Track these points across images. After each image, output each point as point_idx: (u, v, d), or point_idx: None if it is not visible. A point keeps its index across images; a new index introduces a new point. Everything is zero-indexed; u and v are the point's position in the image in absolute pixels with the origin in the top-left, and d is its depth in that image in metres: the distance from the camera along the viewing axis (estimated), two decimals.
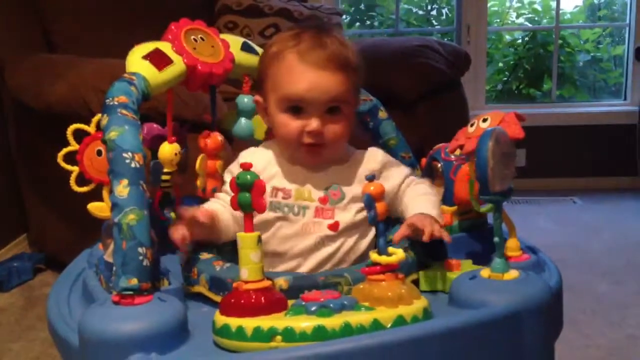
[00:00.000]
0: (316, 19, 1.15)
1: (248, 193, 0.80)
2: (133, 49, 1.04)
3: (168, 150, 1.10)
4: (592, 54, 4.20)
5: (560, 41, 3.88)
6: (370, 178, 0.84)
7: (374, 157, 1.08)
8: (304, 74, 1.00)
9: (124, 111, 0.90)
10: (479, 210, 0.94)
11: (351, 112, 1.05)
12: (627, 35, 3.67)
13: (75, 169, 1.03)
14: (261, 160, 1.07)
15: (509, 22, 4.42)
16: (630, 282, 2.19)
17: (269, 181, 1.03)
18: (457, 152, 1.08)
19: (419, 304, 0.80)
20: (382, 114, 1.23)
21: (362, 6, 4.39)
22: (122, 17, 2.49)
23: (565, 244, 2.56)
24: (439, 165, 1.09)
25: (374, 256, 0.82)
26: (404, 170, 1.09)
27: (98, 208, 1.02)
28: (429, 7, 4.43)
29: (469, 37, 3.51)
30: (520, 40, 4.31)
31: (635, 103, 3.53)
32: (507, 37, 4.36)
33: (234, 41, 1.15)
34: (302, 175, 1.05)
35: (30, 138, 2.26)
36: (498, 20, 4.34)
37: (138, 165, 0.86)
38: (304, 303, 0.78)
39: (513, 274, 0.85)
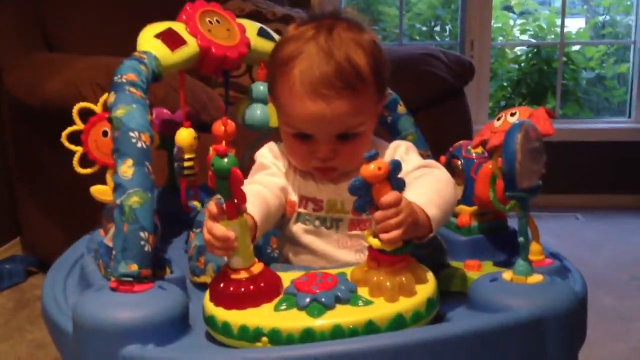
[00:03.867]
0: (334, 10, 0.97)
1: (226, 181, 0.72)
2: (145, 28, 0.99)
3: (186, 135, 1.06)
4: (596, 72, 4.18)
5: (564, 58, 3.86)
6: (370, 157, 0.72)
7: (398, 151, 0.95)
8: (304, 104, 0.86)
9: (132, 89, 0.86)
10: (500, 209, 0.90)
11: (370, 127, 0.92)
12: (632, 53, 3.65)
13: (79, 149, 0.99)
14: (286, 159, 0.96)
15: (513, 38, 4.40)
16: (634, 297, 2.17)
17: (297, 186, 0.94)
18: (479, 149, 1.04)
19: (422, 294, 0.74)
20: (401, 108, 1.18)
21: (365, 20, 4.36)
22: (124, 19, 2.45)
23: (568, 258, 2.53)
24: (459, 162, 1.04)
25: (370, 239, 0.75)
26: (420, 159, 0.94)
27: (101, 191, 0.97)
28: (433, 23, 4.41)
29: (472, 51, 3.48)
30: (523, 57, 4.29)
31: None
32: (510, 54, 4.34)
33: (251, 26, 1.11)
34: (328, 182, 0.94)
35: (27, 140, 2.22)
36: (501, 38, 4.32)
37: (145, 146, 0.82)
38: (296, 292, 0.73)
39: (537, 277, 0.81)
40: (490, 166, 0.99)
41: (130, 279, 0.76)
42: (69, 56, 2.07)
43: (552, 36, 4.19)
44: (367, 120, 0.90)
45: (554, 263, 0.92)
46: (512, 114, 0.90)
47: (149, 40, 0.96)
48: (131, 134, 0.81)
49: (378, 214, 0.74)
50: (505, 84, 4.35)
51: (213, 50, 1.01)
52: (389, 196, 0.73)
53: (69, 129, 0.99)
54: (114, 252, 0.78)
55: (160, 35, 0.97)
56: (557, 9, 3.96)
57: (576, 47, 4.16)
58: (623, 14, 4.21)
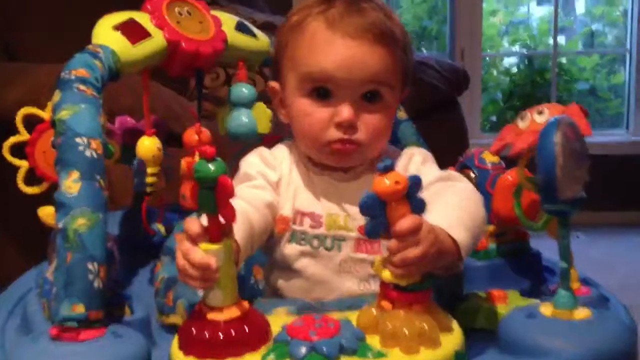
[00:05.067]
0: None
1: (211, 192, 0.59)
2: (102, 18, 0.85)
3: (148, 145, 0.90)
4: (590, 82, 4.10)
5: (557, 69, 3.77)
6: (385, 168, 0.59)
7: (413, 160, 0.83)
8: (332, 45, 0.76)
9: (82, 86, 0.72)
10: (529, 228, 0.76)
11: (394, 102, 0.81)
12: (627, 63, 3.56)
13: (24, 164, 0.84)
14: (286, 162, 0.84)
15: (503, 49, 4.32)
16: None
17: (292, 198, 0.81)
18: (495, 158, 0.90)
19: (448, 345, 0.60)
20: (402, 114, 1.05)
21: None
22: (88, 27, 2.31)
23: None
24: (472, 174, 0.92)
25: (381, 272, 0.61)
26: (438, 171, 0.83)
27: (50, 215, 0.81)
28: (420, 34, 4.31)
29: (462, 62, 3.38)
30: (515, 69, 4.21)
31: (639, 133, 3.40)
32: (500, 65, 4.26)
33: (228, 19, 0.96)
34: (332, 188, 0.81)
35: None
36: (489, 50, 4.23)
37: (95, 155, 0.67)
38: (289, 339, 0.60)
39: (583, 311, 0.66)
40: (510, 177, 0.86)
41: (75, 323, 0.62)
42: (28, 65, 1.95)
43: (543, 45, 4.11)
44: (394, 85, 0.80)
45: (592, 291, 0.78)
46: (540, 112, 0.77)
47: (106, 32, 0.82)
48: (78, 140, 0.67)
49: (393, 244, 0.60)
50: (496, 96, 4.26)
51: (183, 44, 0.87)
52: (407, 221, 0.59)
53: (11, 140, 0.85)
54: (54, 289, 0.62)
55: (120, 27, 0.83)
56: (548, 18, 3.88)
57: (570, 57, 4.08)
58: (611, 25, 4.15)
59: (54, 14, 2.27)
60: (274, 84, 0.85)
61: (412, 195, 0.60)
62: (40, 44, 2.17)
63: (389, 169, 0.59)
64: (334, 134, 0.78)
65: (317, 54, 0.77)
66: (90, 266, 0.63)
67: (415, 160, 0.82)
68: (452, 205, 0.70)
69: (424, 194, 0.71)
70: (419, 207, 0.61)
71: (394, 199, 0.59)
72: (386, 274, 0.60)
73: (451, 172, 0.80)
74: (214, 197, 0.59)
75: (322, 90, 0.78)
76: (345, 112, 0.76)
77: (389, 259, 0.60)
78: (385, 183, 0.58)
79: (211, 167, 0.58)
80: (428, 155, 0.84)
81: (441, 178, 0.78)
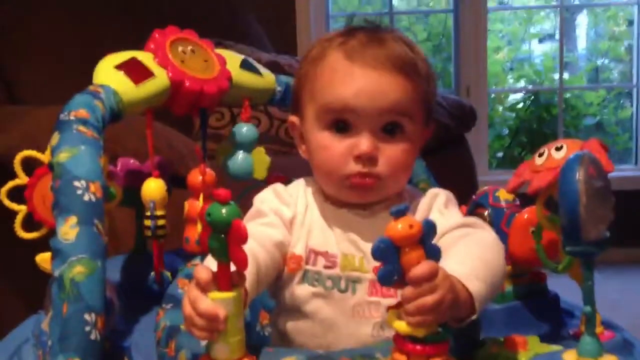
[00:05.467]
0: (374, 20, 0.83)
1: (223, 236, 0.57)
2: (104, 58, 0.83)
3: (155, 186, 0.87)
4: (597, 118, 4.08)
5: (563, 105, 3.76)
6: (398, 212, 0.57)
7: (436, 202, 0.79)
8: (351, 75, 0.74)
9: (82, 128, 0.69)
10: (552, 269, 0.72)
11: (417, 134, 0.78)
12: (634, 96, 3.55)
13: (22, 209, 0.81)
14: (301, 198, 0.80)
15: (508, 85, 4.32)
16: None
17: (305, 236, 0.78)
18: (510, 196, 0.87)
19: None
20: None
21: None
22: (90, 68, 2.32)
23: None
24: (486, 213, 0.88)
25: (395, 323, 0.58)
26: (460, 216, 0.79)
27: (49, 261, 0.78)
28: None
29: (468, 99, 3.37)
30: (521, 105, 4.20)
31: None
32: (505, 102, 4.25)
33: (232, 57, 0.95)
34: (348, 226, 0.78)
35: None
36: (494, 86, 4.24)
37: (94, 199, 0.64)
38: None
39: (609, 359, 0.62)
40: (527, 215, 0.82)
41: None
42: (27, 107, 1.93)
43: (548, 81, 4.12)
44: (416, 118, 0.77)
45: (616, 336, 0.74)
46: (558, 148, 0.74)
47: (107, 71, 0.80)
48: (76, 183, 0.64)
49: (408, 291, 0.56)
50: (502, 132, 4.25)
51: (187, 84, 0.85)
52: (422, 267, 0.56)
53: (10, 184, 0.82)
54: (49, 342, 0.58)
55: (122, 66, 0.81)
56: (552, 54, 3.89)
57: (576, 92, 4.09)
58: (616, 60, 4.15)
59: (57, 55, 2.28)
60: (293, 118, 0.82)
61: (426, 241, 0.57)
62: (42, 85, 2.16)
63: (402, 213, 0.56)
64: (353, 167, 0.74)
65: (336, 84, 0.75)
66: (87, 317, 0.60)
67: (439, 202, 0.78)
68: (470, 255, 0.66)
69: (445, 238, 0.69)
70: (433, 253, 0.58)
71: (408, 244, 0.56)
72: (401, 325, 0.56)
73: (474, 219, 0.76)
74: (226, 243, 0.57)
75: (341, 124, 0.75)
76: (364, 144, 0.74)
77: (404, 309, 0.56)
78: (398, 227, 0.56)
79: (224, 211, 0.56)
80: (451, 197, 0.80)
81: (464, 224, 0.74)
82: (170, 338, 0.72)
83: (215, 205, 0.57)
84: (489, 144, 3.87)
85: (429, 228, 0.57)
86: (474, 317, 0.63)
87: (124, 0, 2.47)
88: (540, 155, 0.75)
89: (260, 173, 0.96)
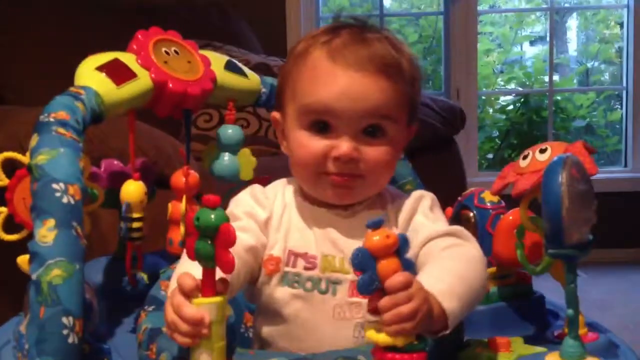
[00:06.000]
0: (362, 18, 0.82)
1: (211, 241, 0.57)
2: (86, 59, 0.82)
3: (135, 189, 0.86)
4: (587, 120, 4.10)
5: (553, 107, 3.77)
6: (375, 224, 0.58)
7: (422, 204, 0.78)
8: (333, 76, 0.73)
9: (61, 130, 0.68)
10: (530, 272, 0.72)
11: (399, 135, 0.77)
12: (624, 99, 3.56)
13: (3, 210, 0.81)
14: (279, 199, 0.79)
15: (498, 87, 4.33)
16: None
17: (284, 237, 0.77)
18: (495, 198, 0.87)
19: None
20: None
21: None
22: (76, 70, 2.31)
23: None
24: (471, 214, 0.88)
25: (373, 335, 0.58)
26: (446, 223, 0.78)
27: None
28: None
29: (458, 101, 3.37)
30: (511, 107, 4.21)
31: (638, 170, 3.38)
32: (495, 104, 4.26)
33: (217, 58, 0.94)
34: (328, 226, 0.77)
35: None
36: (484, 88, 4.25)
37: (72, 201, 0.63)
38: None
39: None
40: (511, 217, 0.82)
41: None
42: (11, 108, 1.91)
43: (538, 84, 4.13)
44: (398, 119, 0.76)
45: (600, 337, 0.74)
46: (542, 150, 0.73)
47: (89, 72, 0.79)
48: (54, 185, 0.63)
49: (385, 301, 0.57)
50: (492, 134, 4.25)
51: (170, 85, 0.84)
52: (398, 276, 0.57)
53: None
54: (26, 345, 0.57)
55: (104, 68, 0.80)
56: (542, 56, 3.90)
57: (566, 94, 4.10)
58: (607, 62, 4.17)
59: (43, 56, 2.24)
60: (276, 114, 0.81)
61: (401, 254, 0.58)
62: (28, 86, 2.14)
63: (378, 225, 0.57)
64: (331, 167, 0.74)
65: (317, 85, 0.74)
66: (65, 320, 0.59)
67: (425, 205, 0.78)
68: (450, 271, 0.66)
69: (430, 245, 0.70)
70: (408, 266, 0.59)
71: (385, 255, 0.57)
72: (381, 337, 0.57)
73: (460, 229, 0.75)
74: (213, 248, 0.57)
75: (321, 124, 0.74)
76: (344, 146, 0.73)
77: (382, 319, 0.57)
78: (375, 238, 0.57)
79: (213, 216, 0.56)
80: (436, 200, 0.80)
81: (450, 233, 0.73)
82: (152, 341, 0.71)
83: (203, 210, 0.57)
84: (479, 145, 3.88)
85: (404, 242, 0.59)
86: (446, 332, 0.63)
87: (111, 2, 2.46)
88: (525, 157, 0.75)
89: (246, 174, 0.95)
